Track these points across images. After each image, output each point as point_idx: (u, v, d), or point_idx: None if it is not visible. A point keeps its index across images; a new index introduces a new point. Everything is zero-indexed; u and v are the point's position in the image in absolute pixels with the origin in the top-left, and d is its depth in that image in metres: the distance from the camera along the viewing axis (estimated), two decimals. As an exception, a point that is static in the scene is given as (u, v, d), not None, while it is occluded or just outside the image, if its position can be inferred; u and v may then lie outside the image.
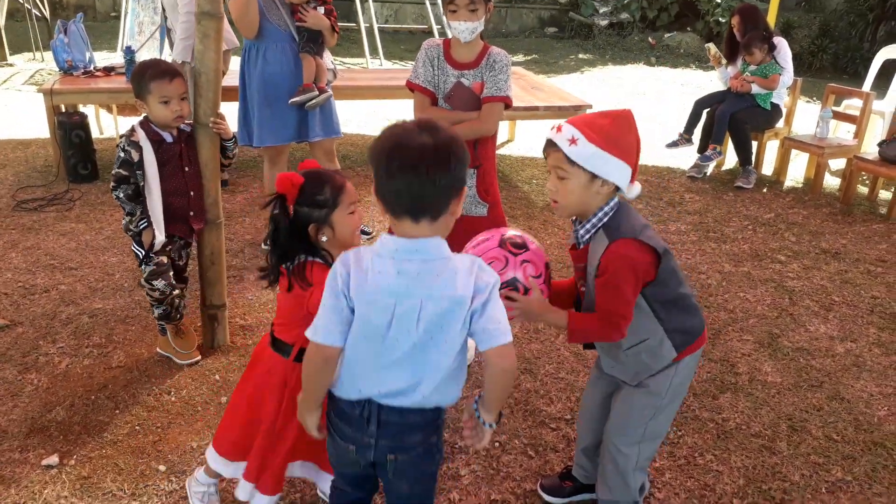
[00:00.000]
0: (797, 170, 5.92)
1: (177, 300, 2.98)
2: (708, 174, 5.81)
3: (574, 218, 1.92)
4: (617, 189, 1.81)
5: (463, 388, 1.63)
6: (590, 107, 5.42)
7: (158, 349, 3.04)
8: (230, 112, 3.32)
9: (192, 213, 2.85)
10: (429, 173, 1.40)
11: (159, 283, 2.85)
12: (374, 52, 9.34)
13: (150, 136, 2.70)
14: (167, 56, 5.29)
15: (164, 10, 4.94)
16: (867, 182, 5.55)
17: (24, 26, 9.36)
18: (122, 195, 2.71)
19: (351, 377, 1.56)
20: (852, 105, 5.93)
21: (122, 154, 2.68)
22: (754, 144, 5.70)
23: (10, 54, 9.22)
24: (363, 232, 4.30)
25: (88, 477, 2.35)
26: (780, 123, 5.85)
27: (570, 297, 2.06)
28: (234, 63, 4.65)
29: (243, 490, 2.01)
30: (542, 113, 5.36)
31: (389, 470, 1.62)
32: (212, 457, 2.11)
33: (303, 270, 1.84)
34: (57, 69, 5.57)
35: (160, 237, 2.76)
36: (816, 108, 7.44)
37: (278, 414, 1.97)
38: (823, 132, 5.55)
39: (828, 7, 12.18)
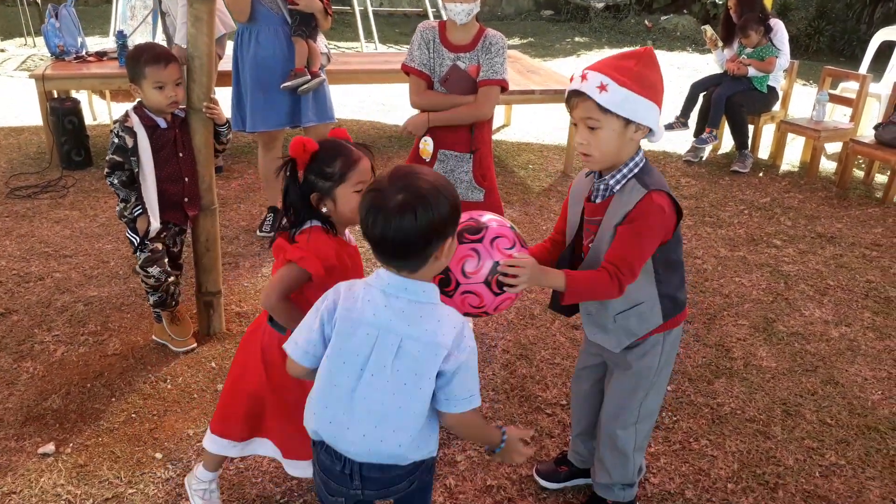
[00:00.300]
0: (793, 153, 5.91)
1: (172, 287, 2.97)
2: (704, 158, 5.79)
3: (590, 171, 1.86)
4: (648, 133, 1.76)
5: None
6: (586, 91, 5.38)
7: (154, 336, 3.04)
8: (224, 97, 3.30)
9: (186, 200, 2.84)
10: (396, 235, 1.39)
11: (154, 270, 2.84)
12: (368, 35, 9.27)
13: (145, 122, 2.68)
14: (160, 40, 5.24)
15: (157, -7, 4.89)
16: (863, 165, 5.54)
17: (15, 11, 9.26)
18: (116, 181, 2.69)
19: (322, 406, 1.52)
20: (849, 88, 5.91)
21: (116, 140, 2.66)
22: (751, 128, 5.69)
23: (2, 39, 9.13)
24: None
25: (85, 465, 2.35)
26: (777, 107, 5.84)
27: (545, 263, 1.93)
28: (230, 47, 4.61)
29: (292, 467, 2.03)
30: (538, 97, 5.33)
31: None
32: (211, 441, 2.08)
33: (299, 231, 1.84)
34: (48, 54, 5.52)
35: (155, 224, 2.74)
36: (813, 90, 7.42)
37: (262, 388, 1.97)
38: (820, 115, 5.53)
39: (825, -11, 12.10)
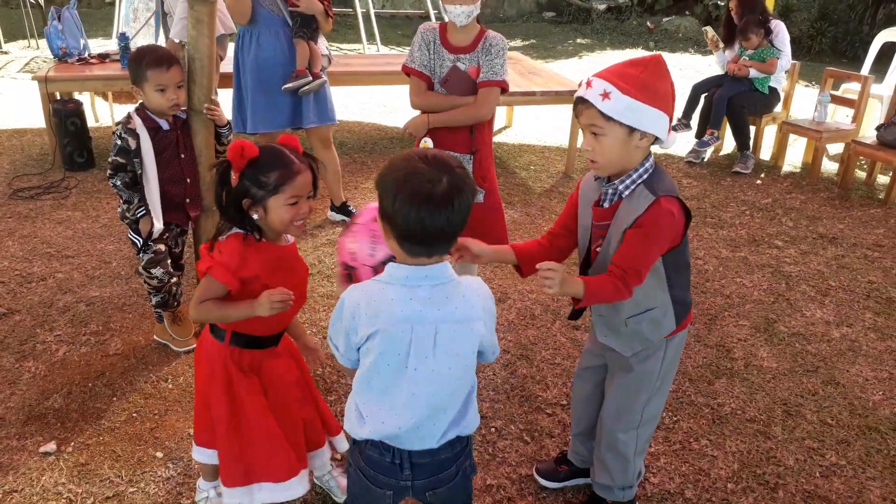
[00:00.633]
0: (795, 154, 5.90)
1: (174, 288, 2.98)
2: (706, 159, 5.79)
3: (600, 176, 1.86)
4: (655, 140, 1.76)
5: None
6: (587, 92, 5.38)
7: (155, 336, 3.05)
8: (226, 99, 3.31)
9: (188, 201, 2.85)
10: (457, 214, 1.40)
11: (157, 271, 2.85)
12: (370, 37, 9.28)
13: (147, 124, 2.69)
14: (163, 42, 5.26)
15: (159, -5, 4.90)
16: (865, 166, 5.54)
17: (18, 13, 9.29)
18: (119, 183, 2.70)
19: (373, 410, 1.52)
20: (851, 89, 5.90)
21: (118, 142, 2.67)
22: (752, 129, 5.69)
23: (5, 42, 9.16)
24: (346, 213, 4.29)
25: (86, 464, 2.36)
26: (779, 108, 5.83)
27: (540, 259, 1.93)
28: (232, 49, 4.62)
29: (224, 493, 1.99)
30: (539, 98, 5.33)
31: (429, 501, 1.63)
32: (198, 452, 2.08)
33: (224, 237, 1.83)
34: (51, 56, 5.54)
35: (158, 225, 2.76)
36: (815, 92, 7.41)
37: (230, 405, 1.93)
38: (821, 116, 5.53)
39: (828, -10, 12.09)
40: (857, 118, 5.47)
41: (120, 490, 2.26)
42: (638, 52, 10.78)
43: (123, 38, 5.14)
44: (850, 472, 2.47)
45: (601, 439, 2.11)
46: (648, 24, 12.49)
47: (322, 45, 3.95)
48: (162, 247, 2.85)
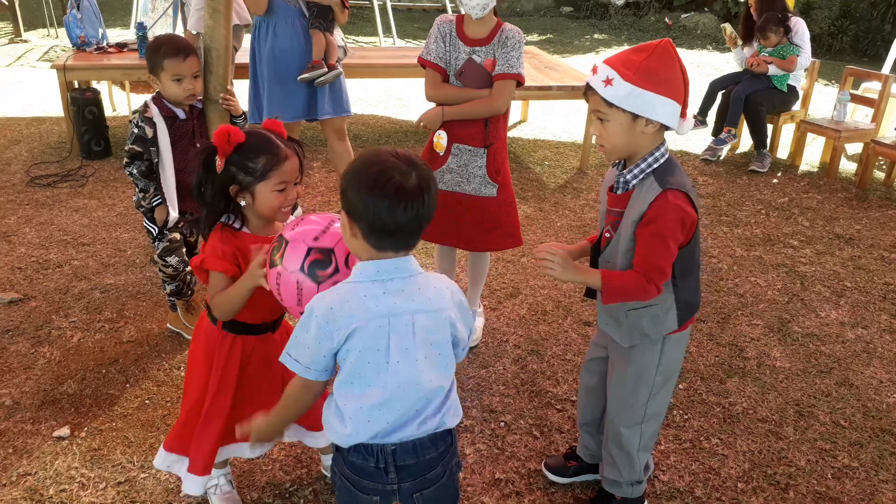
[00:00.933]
0: (813, 154, 5.84)
1: (188, 276, 3.00)
2: (722, 157, 5.75)
3: (617, 162, 1.86)
4: (665, 128, 1.74)
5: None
6: (603, 88, 5.35)
7: (169, 325, 3.07)
8: (242, 90, 3.32)
9: (202, 190, 2.86)
10: (426, 207, 1.42)
11: (172, 260, 2.87)
12: (387, 30, 9.28)
13: (164, 113, 2.70)
14: (181, 31, 5.28)
15: (176, -15, 4.93)
16: (884, 167, 5.47)
17: (38, 2, 9.37)
18: (135, 171, 2.71)
19: (360, 411, 1.48)
20: (871, 88, 5.83)
21: (135, 130, 2.69)
22: (769, 127, 5.63)
23: (25, 30, 9.24)
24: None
25: (98, 449, 2.39)
26: (797, 106, 5.77)
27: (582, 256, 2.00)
28: (246, 40, 4.63)
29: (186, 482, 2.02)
30: (555, 93, 5.31)
31: (416, 502, 1.60)
32: (158, 460, 2.09)
33: (207, 231, 1.83)
34: (70, 45, 5.58)
35: (174, 214, 2.77)
36: (834, 90, 7.33)
37: (205, 391, 1.95)
38: (841, 115, 5.47)
39: (850, -12, 11.93)
40: (876, 118, 5.41)
41: (132, 475, 2.28)
42: (655, 49, 10.69)
43: (141, 27, 5.17)
44: (862, 474, 2.45)
45: (607, 434, 2.11)
46: (667, 20, 12.39)
47: (338, 36, 3.95)
48: (177, 235, 2.87)
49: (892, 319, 3.44)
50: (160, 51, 2.63)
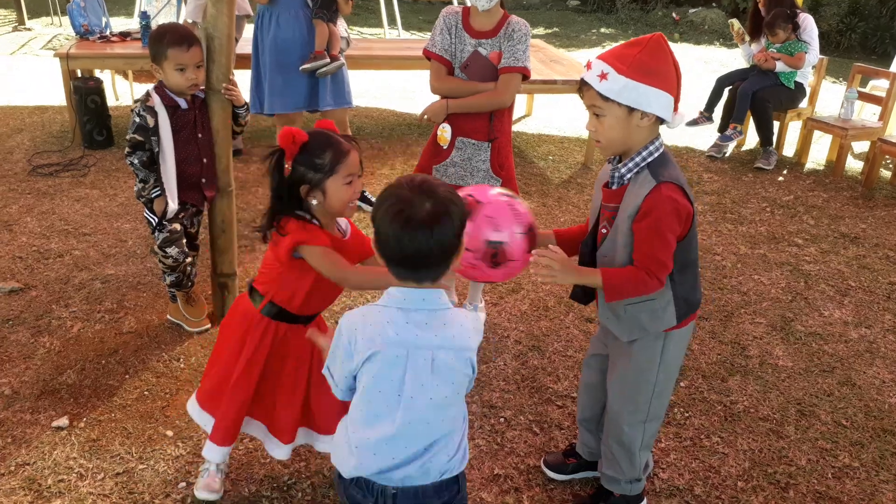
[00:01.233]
0: (819, 152, 5.80)
1: (189, 268, 2.99)
2: (727, 154, 5.71)
3: (612, 157, 1.86)
4: (660, 121, 1.74)
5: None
6: (609, 82, 5.32)
7: (169, 316, 3.07)
8: (244, 80, 3.30)
9: (204, 181, 2.85)
10: (436, 239, 1.38)
11: (173, 251, 2.86)
12: (391, 22, 9.24)
13: (166, 102, 2.69)
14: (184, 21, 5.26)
15: (180, -25, 4.91)
16: (890, 166, 5.43)
17: (42, -10, 9.35)
18: (136, 161, 2.70)
19: (367, 443, 1.46)
20: (879, 86, 5.78)
21: (137, 119, 2.67)
22: (776, 125, 5.59)
23: (29, 19, 9.23)
24: (368, 201, 4.27)
25: (97, 439, 2.38)
26: (804, 103, 5.73)
27: (574, 244, 1.99)
28: (248, 31, 4.61)
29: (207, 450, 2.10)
30: (560, 87, 5.28)
31: None
32: (192, 408, 2.16)
33: (279, 225, 1.84)
34: (73, 34, 5.57)
35: (173, 205, 2.76)
36: (842, 88, 7.28)
37: (234, 364, 2.00)
38: (848, 113, 5.43)
39: (859, -16, 11.85)
40: (884, 116, 5.37)
41: (130, 467, 2.27)
42: (662, 44, 10.63)
43: (145, 16, 5.16)
44: (862, 474, 2.43)
45: (608, 431, 2.10)
46: (674, 14, 12.32)
47: (341, 27, 3.93)
48: (177, 226, 2.86)
49: (895, 319, 3.42)
50: (163, 40, 2.62)
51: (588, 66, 1.73)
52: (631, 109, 1.70)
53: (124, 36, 5.40)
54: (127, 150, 2.71)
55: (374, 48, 6.08)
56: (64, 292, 3.24)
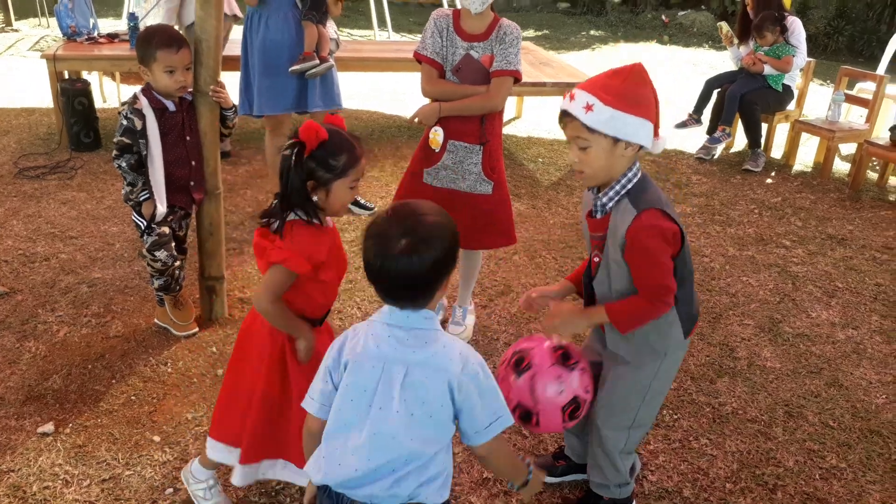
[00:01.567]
0: (807, 154, 5.84)
1: (177, 271, 2.97)
2: (716, 156, 5.74)
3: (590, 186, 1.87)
4: (641, 147, 1.76)
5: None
6: (598, 85, 5.33)
7: (156, 320, 3.04)
8: (232, 82, 3.28)
9: (192, 184, 2.83)
10: (402, 274, 1.39)
11: (161, 254, 2.84)
12: (381, 23, 9.22)
13: (153, 104, 2.67)
14: (173, 23, 5.23)
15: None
16: (877, 167, 5.47)
17: (29, -9, 9.28)
18: (124, 164, 2.68)
19: (333, 452, 1.46)
20: (865, 88, 5.83)
21: (124, 122, 2.65)
22: (764, 127, 5.62)
23: (16, 20, 9.16)
24: (364, 207, 4.27)
25: (83, 445, 2.36)
26: (792, 106, 5.77)
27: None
28: (236, 32, 4.59)
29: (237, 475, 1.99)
30: (549, 89, 5.29)
31: None
32: (212, 446, 2.05)
33: (282, 226, 1.82)
34: (61, 35, 5.53)
35: (161, 208, 2.74)
36: (829, 90, 7.33)
37: (257, 381, 1.94)
38: (835, 116, 5.47)
39: (846, -13, 11.95)
40: (870, 118, 5.41)
41: (116, 472, 2.26)
42: (652, 46, 10.68)
43: (133, 18, 5.12)
44: (850, 474, 2.44)
45: (592, 437, 2.10)
46: (663, 17, 12.38)
47: (331, 29, 3.92)
48: (166, 229, 2.84)
49: (882, 320, 3.44)
50: (152, 41, 2.60)
51: (571, 96, 1.73)
52: (616, 140, 1.71)
53: (112, 37, 5.37)
54: (114, 152, 2.69)
55: (364, 50, 6.07)
56: (50, 296, 3.21)
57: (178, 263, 2.94)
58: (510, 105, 6.48)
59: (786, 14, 5.53)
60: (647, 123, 1.72)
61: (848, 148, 5.87)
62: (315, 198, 1.81)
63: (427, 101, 2.84)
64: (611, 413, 2.02)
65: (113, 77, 6.04)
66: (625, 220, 1.75)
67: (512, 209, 2.96)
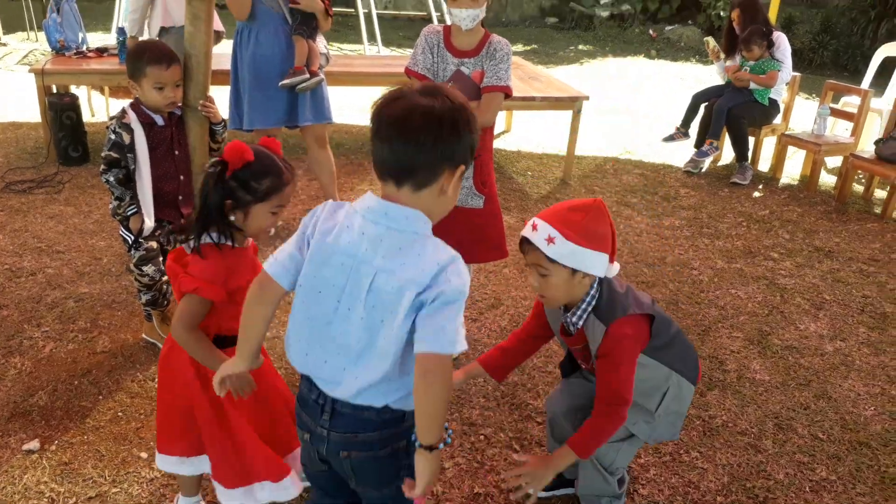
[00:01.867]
0: (793, 167, 5.90)
1: (164, 286, 2.95)
2: (704, 170, 5.78)
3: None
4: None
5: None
6: (586, 98, 5.39)
7: (144, 335, 3.02)
8: (222, 96, 3.28)
9: (181, 198, 2.82)
10: (416, 137, 1.32)
11: (149, 269, 2.82)
12: (371, 38, 9.26)
13: (142, 119, 2.66)
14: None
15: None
16: (863, 180, 5.53)
17: (18, 5, 9.26)
18: (112, 179, 2.67)
19: (298, 338, 1.47)
20: (850, 102, 5.90)
21: (112, 136, 2.64)
22: (751, 140, 5.68)
23: (4, 33, 9.13)
24: None
25: (69, 463, 2.33)
26: (778, 119, 5.83)
27: (507, 363, 2.15)
28: (223, 47, 4.59)
29: (221, 493, 1.95)
30: (538, 104, 5.32)
31: (347, 472, 1.52)
32: (163, 461, 2.01)
33: (198, 247, 1.79)
34: (49, 49, 5.52)
35: (149, 223, 2.73)
36: (815, 104, 7.41)
37: (214, 407, 1.88)
38: (821, 129, 5.52)
39: (830, 3, 12.12)
40: (856, 132, 5.47)
41: (103, 490, 2.23)
42: (639, 60, 10.78)
43: (122, 32, 5.11)
44: (840, 487, 2.45)
45: None
46: (651, 32, 12.50)
47: (321, 43, 3.93)
48: (154, 244, 2.82)
49: (869, 332, 3.46)
50: (143, 57, 2.59)
51: (534, 227, 1.80)
52: (574, 271, 1.79)
53: (101, 52, 5.36)
54: (102, 167, 2.68)
55: (354, 64, 6.09)
56: (36, 311, 3.18)
57: (165, 278, 2.92)
58: (500, 118, 6.50)
59: (772, 29, 5.60)
60: (602, 256, 1.80)
61: (834, 161, 5.93)
62: (233, 217, 1.78)
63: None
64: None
65: (102, 91, 6.02)
66: (597, 333, 1.85)
67: (503, 223, 2.97)
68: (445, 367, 1.33)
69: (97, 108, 6.21)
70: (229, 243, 1.80)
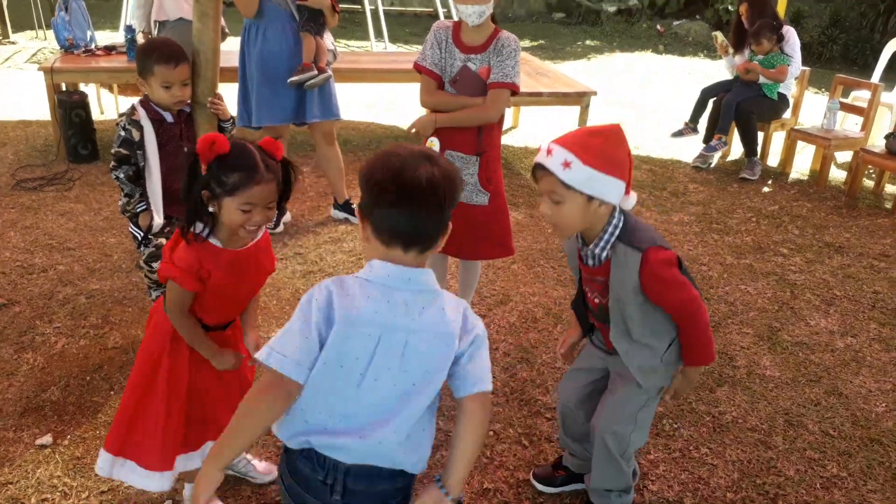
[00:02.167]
0: (803, 162, 5.86)
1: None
2: (713, 165, 5.76)
3: (577, 238, 1.91)
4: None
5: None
6: (594, 94, 5.37)
7: (154, 331, 3.03)
8: (231, 93, 3.29)
9: (189, 195, 2.83)
10: (440, 206, 1.33)
11: (159, 266, 2.83)
12: (378, 34, 9.26)
13: (151, 116, 2.67)
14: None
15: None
16: (873, 175, 5.49)
17: (27, 3, 9.30)
18: (122, 176, 2.68)
19: (318, 416, 1.38)
20: (860, 97, 5.86)
21: (122, 133, 2.65)
22: (760, 135, 5.65)
23: (13, 32, 9.18)
24: (349, 211, 4.28)
25: (81, 457, 2.35)
26: (787, 114, 5.80)
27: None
28: (229, 44, 4.60)
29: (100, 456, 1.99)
30: (546, 99, 5.31)
31: None
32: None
33: (186, 232, 1.81)
34: (58, 47, 5.54)
35: (158, 220, 2.74)
36: (824, 99, 7.37)
37: (151, 377, 1.94)
38: (830, 124, 5.49)
39: (839, -3, 12.04)
40: (866, 126, 5.44)
41: (114, 485, 2.24)
42: (647, 56, 10.74)
43: (130, 30, 5.13)
44: (850, 483, 2.44)
45: (595, 444, 2.10)
46: (658, 27, 12.45)
47: (328, 40, 3.94)
48: (163, 241, 2.83)
49: (880, 328, 3.45)
50: (152, 55, 2.60)
51: (548, 151, 1.73)
52: (590, 198, 1.73)
53: (109, 50, 5.38)
54: (112, 164, 2.69)
55: (361, 61, 6.09)
56: (48, 308, 3.20)
57: (176, 274, 2.93)
58: (507, 114, 6.48)
59: (781, 23, 5.56)
60: (620, 183, 1.74)
61: (844, 156, 5.90)
62: (211, 209, 1.79)
63: (424, 111, 2.85)
64: (613, 420, 2.03)
65: (110, 89, 6.05)
66: (630, 264, 1.78)
67: (510, 220, 2.96)
68: (490, 403, 1.42)
69: (106, 105, 6.24)
70: (204, 233, 1.80)
